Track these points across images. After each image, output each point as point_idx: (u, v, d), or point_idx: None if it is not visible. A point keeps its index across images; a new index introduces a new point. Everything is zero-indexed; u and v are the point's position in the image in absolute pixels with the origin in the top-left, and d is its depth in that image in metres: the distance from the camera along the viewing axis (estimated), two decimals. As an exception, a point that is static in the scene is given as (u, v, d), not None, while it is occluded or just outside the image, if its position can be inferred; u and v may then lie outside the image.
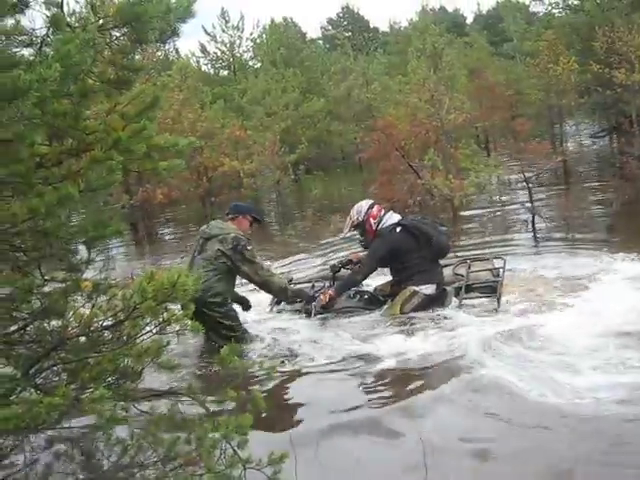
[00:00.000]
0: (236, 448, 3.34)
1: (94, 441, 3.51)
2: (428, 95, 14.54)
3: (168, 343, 2.98)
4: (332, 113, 24.44)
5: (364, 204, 7.50)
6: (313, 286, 7.81)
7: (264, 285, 6.87)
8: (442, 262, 7.83)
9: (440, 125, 13.74)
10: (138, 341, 2.92)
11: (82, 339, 2.80)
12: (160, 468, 3.13)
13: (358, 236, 7.71)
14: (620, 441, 4.23)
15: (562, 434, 4.37)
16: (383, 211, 7.49)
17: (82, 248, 3.56)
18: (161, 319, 2.91)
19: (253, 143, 17.68)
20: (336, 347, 6.38)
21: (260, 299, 7.68)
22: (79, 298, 3.16)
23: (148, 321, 2.88)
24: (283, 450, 3.60)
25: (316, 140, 23.94)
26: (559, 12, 23.45)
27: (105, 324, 2.74)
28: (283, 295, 7.17)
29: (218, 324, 6.30)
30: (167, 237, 17.08)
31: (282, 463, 3.51)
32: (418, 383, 5.53)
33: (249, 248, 6.57)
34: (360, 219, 7.36)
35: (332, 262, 8.16)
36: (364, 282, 7.69)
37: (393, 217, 7.43)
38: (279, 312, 7.59)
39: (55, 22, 3.32)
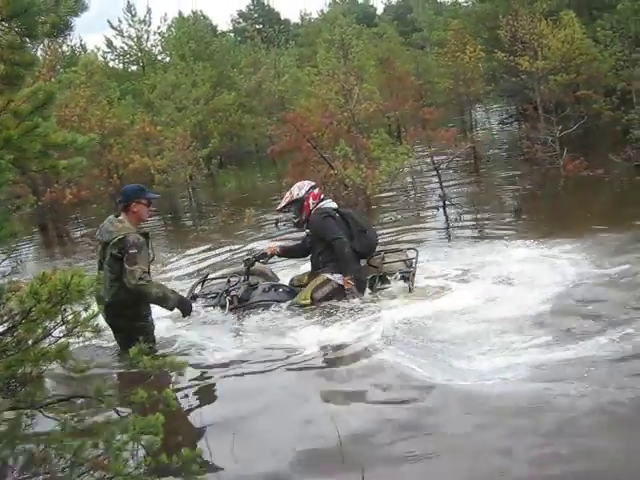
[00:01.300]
0: (146, 449, 3.29)
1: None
2: (338, 86, 14.60)
3: (68, 346, 2.88)
4: (244, 106, 24.31)
5: (306, 183, 7.59)
6: (229, 281, 7.72)
7: (140, 295, 6.28)
8: None
9: (351, 115, 13.79)
10: (38, 345, 2.82)
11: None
12: (67, 475, 3.04)
13: (291, 215, 7.71)
14: (539, 413, 4.34)
15: (479, 413, 4.45)
16: (323, 195, 7.57)
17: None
18: (59, 321, 2.82)
19: (164, 139, 17.39)
20: (251, 340, 6.35)
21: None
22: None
23: (47, 324, 2.79)
24: (198, 447, 3.56)
25: (228, 134, 23.78)
26: (465, 1, 23.96)
27: (0, 329, 2.64)
28: (163, 304, 6.52)
29: (128, 326, 6.09)
30: (78, 238, 16.66)
31: (196, 460, 3.46)
32: (331, 373, 5.58)
33: (130, 252, 6.15)
34: (300, 195, 7.37)
35: (247, 257, 8.07)
36: (278, 275, 7.75)
37: (332, 203, 7.52)
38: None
39: None
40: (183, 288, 8.51)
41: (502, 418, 4.34)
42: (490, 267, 7.55)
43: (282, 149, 14.55)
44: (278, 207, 7.77)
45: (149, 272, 6.38)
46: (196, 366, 5.78)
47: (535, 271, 7.14)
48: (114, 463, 2.83)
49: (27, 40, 3.60)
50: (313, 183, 7.62)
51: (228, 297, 7.27)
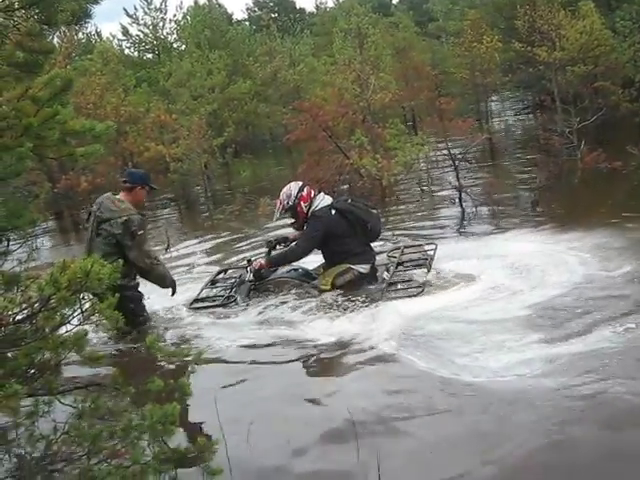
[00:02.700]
0: (164, 438, 3.29)
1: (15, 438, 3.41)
2: (354, 75, 14.54)
3: (86, 334, 2.88)
4: (259, 95, 24.26)
5: (293, 186, 7.37)
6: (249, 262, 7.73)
7: (146, 273, 6.55)
8: (376, 249, 7.95)
9: (367, 105, 13.74)
10: (56, 333, 2.82)
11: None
12: (85, 462, 3.05)
13: (290, 219, 7.62)
14: (561, 406, 4.34)
15: (496, 410, 4.43)
16: (313, 193, 7.41)
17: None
18: (78, 310, 2.83)
19: (179, 127, 17.40)
20: (262, 332, 6.36)
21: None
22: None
23: (65, 312, 2.79)
24: (214, 437, 3.56)
25: (244, 123, 23.74)
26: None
27: (19, 317, 2.63)
28: (162, 283, 6.80)
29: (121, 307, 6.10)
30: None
31: (213, 451, 3.46)
32: (341, 365, 5.55)
33: (139, 233, 6.29)
34: (290, 203, 7.24)
35: (269, 239, 8.10)
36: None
37: (325, 199, 7.37)
38: (198, 307, 7.37)
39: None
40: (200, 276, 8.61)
41: (523, 412, 4.33)
42: (503, 262, 7.48)
43: (297, 138, 14.50)
44: (274, 218, 7.71)
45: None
46: (209, 355, 5.78)
47: (545, 268, 7.08)
48: (132, 452, 2.84)
49: (46, 28, 3.60)
50: (300, 183, 7.45)
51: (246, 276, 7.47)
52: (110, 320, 2.99)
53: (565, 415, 4.23)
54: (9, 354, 2.80)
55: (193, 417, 4.75)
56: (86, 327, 3.09)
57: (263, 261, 7.36)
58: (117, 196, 6.51)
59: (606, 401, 4.31)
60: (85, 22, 3.89)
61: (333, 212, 7.23)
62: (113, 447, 3.10)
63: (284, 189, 7.37)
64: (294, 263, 7.61)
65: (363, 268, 7.27)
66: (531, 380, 4.73)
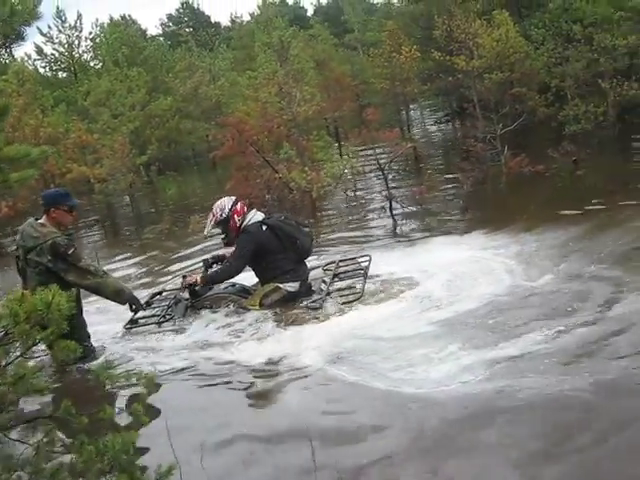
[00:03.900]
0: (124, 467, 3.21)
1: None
2: (276, 89, 14.56)
3: (43, 367, 2.79)
4: (180, 111, 24.05)
5: (226, 200, 7.39)
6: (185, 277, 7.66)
7: (97, 290, 6.35)
8: (310, 265, 7.99)
9: (292, 118, 13.76)
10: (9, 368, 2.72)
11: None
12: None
13: (220, 234, 7.56)
14: (508, 409, 4.45)
15: (444, 419, 4.48)
16: (246, 208, 7.43)
17: None
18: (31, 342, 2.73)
19: (101, 147, 17.09)
20: (195, 354, 6.33)
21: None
22: None
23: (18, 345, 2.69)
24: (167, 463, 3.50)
25: (166, 140, 23.49)
26: (398, 2, 24.15)
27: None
28: (119, 298, 6.64)
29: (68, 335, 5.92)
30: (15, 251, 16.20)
31: (170, 475, 3.40)
32: (277, 385, 5.56)
33: (70, 252, 6.05)
34: (224, 215, 7.24)
35: (205, 258, 8.02)
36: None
37: (257, 215, 7.39)
38: (135, 327, 7.27)
39: None
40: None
41: (474, 419, 4.40)
42: (434, 271, 7.55)
43: (225, 154, 14.43)
44: (205, 232, 7.64)
45: None
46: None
47: (474, 276, 7.22)
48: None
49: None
50: (233, 198, 7.47)
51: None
52: (64, 351, 2.89)
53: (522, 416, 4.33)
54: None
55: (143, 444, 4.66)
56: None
57: (198, 277, 7.30)
58: (40, 220, 6.25)
59: (555, 398, 4.43)
60: (18, 44, 3.80)
61: (264, 228, 7.26)
62: (74, 481, 3.00)
63: (217, 202, 7.38)
64: (231, 280, 7.60)
65: (292, 287, 7.27)
66: (477, 386, 4.81)
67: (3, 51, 27.94)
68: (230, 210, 7.27)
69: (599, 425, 4.13)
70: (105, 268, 10.72)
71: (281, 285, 7.23)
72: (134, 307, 6.90)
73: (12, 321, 2.29)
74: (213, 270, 7.54)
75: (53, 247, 6.02)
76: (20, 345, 2.56)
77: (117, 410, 3.63)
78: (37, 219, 6.31)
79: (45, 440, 3.21)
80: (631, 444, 3.92)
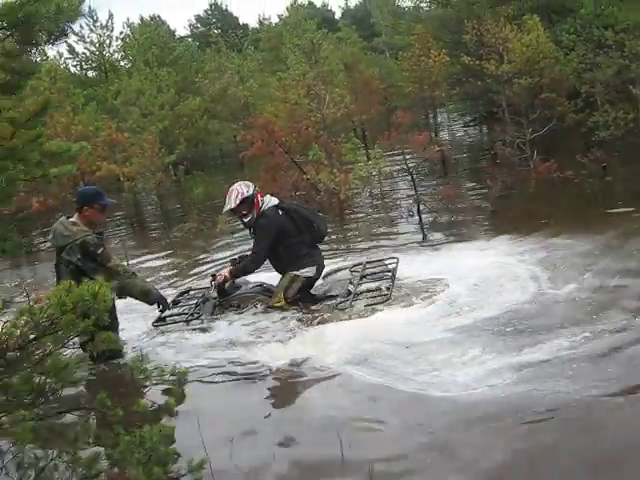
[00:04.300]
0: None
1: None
2: (306, 90, 14.61)
3: (86, 357, 2.85)
4: (209, 112, 24.17)
5: (248, 182, 7.52)
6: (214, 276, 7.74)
7: (125, 290, 6.42)
8: (338, 266, 8.07)
9: (321, 120, 13.81)
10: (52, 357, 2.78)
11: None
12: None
13: (237, 219, 7.67)
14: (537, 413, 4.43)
15: (472, 422, 4.49)
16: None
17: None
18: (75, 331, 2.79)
19: (130, 145, 17.24)
20: (222, 354, 6.39)
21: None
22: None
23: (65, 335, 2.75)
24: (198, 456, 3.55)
25: (194, 139, 23.62)
26: (427, 6, 24.13)
27: (20, 342, 2.58)
28: (146, 298, 6.80)
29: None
30: (44, 247, 16.37)
31: (202, 469, 3.45)
32: (301, 386, 5.63)
33: (99, 252, 6.12)
34: (250, 192, 7.31)
35: (233, 258, 8.08)
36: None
37: (272, 200, 7.48)
38: (162, 325, 7.34)
39: None
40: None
41: (504, 423, 4.41)
42: (461, 276, 7.51)
43: (253, 154, 14.50)
44: (228, 207, 7.43)
45: None
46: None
47: (499, 282, 7.19)
48: (138, 474, 2.81)
49: (27, 48, 3.57)
50: (251, 183, 7.58)
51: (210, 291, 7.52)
52: (104, 343, 2.95)
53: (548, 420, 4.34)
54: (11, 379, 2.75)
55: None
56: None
57: (226, 272, 7.38)
58: (71, 219, 6.34)
59: (582, 404, 4.43)
60: (62, 41, 3.87)
61: (280, 212, 7.34)
62: (110, 471, 3.07)
63: (238, 183, 7.48)
64: (259, 279, 7.67)
65: (309, 272, 7.36)
66: (505, 389, 4.81)
67: (36, 49, 28.21)
68: (254, 189, 7.38)
69: (629, 430, 4.13)
70: (133, 262, 10.97)
71: (298, 273, 7.29)
72: (161, 307, 6.97)
73: (59, 310, 2.35)
74: (241, 265, 7.60)
75: (83, 246, 6.09)
76: (63, 335, 2.61)
77: (150, 404, 3.66)
78: (69, 217, 6.39)
79: (81, 430, 3.28)
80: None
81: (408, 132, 13.80)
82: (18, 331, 2.47)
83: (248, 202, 7.32)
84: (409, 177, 12.71)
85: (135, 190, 16.40)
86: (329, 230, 8.41)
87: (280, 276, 7.52)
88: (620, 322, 5.71)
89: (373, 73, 25.91)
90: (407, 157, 14.02)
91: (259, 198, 7.35)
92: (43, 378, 2.68)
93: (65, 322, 2.39)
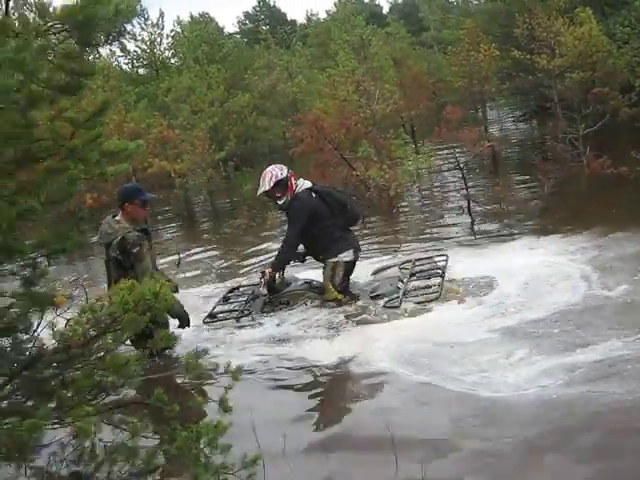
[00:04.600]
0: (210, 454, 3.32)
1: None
2: (355, 86, 14.61)
3: (145, 354, 2.91)
4: (258, 108, 24.28)
5: (282, 165, 7.61)
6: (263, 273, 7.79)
7: None
8: (388, 263, 8.13)
9: (370, 116, 13.79)
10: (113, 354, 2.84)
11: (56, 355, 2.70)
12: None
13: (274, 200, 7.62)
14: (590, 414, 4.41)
15: (525, 423, 4.46)
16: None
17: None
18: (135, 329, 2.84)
19: (181, 142, 17.42)
20: (271, 350, 6.48)
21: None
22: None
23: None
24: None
25: (243, 136, 23.76)
26: (476, 0, 23.90)
27: (82, 340, 2.64)
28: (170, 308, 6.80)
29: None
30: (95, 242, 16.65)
31: (256, 465, 3.49)
32: (352, 384, 5.71)
33: (134, 251, 6.20)
34: (284, 174, 7.38)
35: None
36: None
37: (306, 183, 7.54)
38: (213, 322, 7.48)
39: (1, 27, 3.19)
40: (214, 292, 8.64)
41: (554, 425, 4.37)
42: (510, 274, 7.47)
43: (303, 151, 14.55)
44: (262, 189, 7.47)
45: (156, 268, 6.52)
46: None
47: (550, 281, 7.14)
48: (195, 468, 2.85)
49: (86, 49, 3.63)
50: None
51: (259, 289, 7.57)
52: (163, 340, 3.01)
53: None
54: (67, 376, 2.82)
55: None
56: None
57: (268, 269, 7.46)
58: (116, 217, 6.51)
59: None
60: (119, 41, 3.92)
61: (314, 195, 7.38)
62: (167, 466, 3.12)
63: (272, 166, 7.55)
64: (308, 277, 7.71)
65: (347, 256, 7.39)
66: (556, 390, 4.78)
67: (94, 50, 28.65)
68: (288, 172, 7.44)
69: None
70: (183, 256, 11.06)
71: (336, 259, 7.35)
72: (180, 323, 6.70)
73: (121, 309, 2.40)
74: (275, 257, 7.67)
75: (121, 243, 6.23)
76: (124, 332, 2.66)
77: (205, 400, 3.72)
78: (114, 216, 6.54)
79: (139, 425, 3.33)
80: None
81: (458, 128, 13.70)
82: (81, 328, 2.54)
83: (282, 185, 7.37)
84: (459, 173, 12.63)
85: (186, 186, 16.58)
86: (382, 225, 8.38)
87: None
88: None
89: (422, 68, 25.76)
90: (457, 153, 13.95)
91: (293, 181, 7.41)
92: (104, 374, 2.74)
93: (127, 320, 2.44)
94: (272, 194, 7.45)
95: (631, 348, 5.22)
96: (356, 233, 8.22)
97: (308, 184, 7.52)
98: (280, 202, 7.47)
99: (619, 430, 4.21)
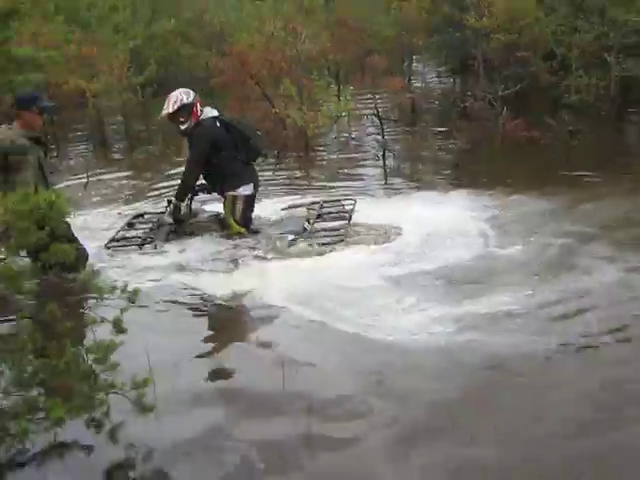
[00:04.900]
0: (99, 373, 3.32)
1: None
2: (283, 23, 14.36)
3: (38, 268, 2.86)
4: (183, 35, 23.60)
5: (189, 90, 7.48)
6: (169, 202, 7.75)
7: None
8: (296, 202, 8.36)
9: (296, 55, 13.62)
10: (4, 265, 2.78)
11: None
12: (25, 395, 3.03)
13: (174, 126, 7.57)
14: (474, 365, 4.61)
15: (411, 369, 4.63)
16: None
17: None
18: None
19: (100, 61, 16.78)
20: (170, 279, 6.53)
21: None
22: None
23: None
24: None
25: (165, 62, 23.08)
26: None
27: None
28: None
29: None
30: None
31: (145, 387, 3.51)
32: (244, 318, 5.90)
33: (15, 159, 6.04)
34: (190, 100, 7.33)
35: None
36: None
37: (213, 111, 7.51)
38: (115, 247, 7.42)
39: None
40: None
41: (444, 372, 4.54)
42: (414, 224, 7.69)
43: (224, 83, 14.30)
44: (165, 112, 7.42)
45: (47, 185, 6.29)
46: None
47: (449, 236, 7.37)
48: (78, 385, 2.85)
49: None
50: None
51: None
52: (58, 254, 2.96)
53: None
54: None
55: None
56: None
57: (173, 199, 7.49)
58: (10, 125, 6.29)
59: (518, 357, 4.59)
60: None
61: (218, 124, 7.36)
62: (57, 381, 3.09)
63: (179, 90, 7.45)
64: (216, 209, 7.70)
65: (246, 189, 7.47)
66: (444, 338, 4.98)
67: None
68: (195, 98, 7.37)
69: (567, 385, 4.35)
70: (93, 179, 10.84)
71: (235, 193, 7.41)
72: None
73: (14, 217, 2.35)
74: (178, 186, 7.65)
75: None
76: (17, 242, 2.61)
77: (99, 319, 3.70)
78: (9, 124, 6.32)
79: (28, 339, 3.30)
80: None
81: (382, 76, 13.71)
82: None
83: (186, 109, 7.31)
84: (378, 122, 12.70)
85: (99, 108, 16.08)
86: (295, 166, 8.36)
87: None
88: (563, 283, 5.93)
89: (352, 12, 25.44)
90: (378, 101, 13.99)
91: (198, 107, 7.34)
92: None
93: (19, 229, 2.39)
94: (175, 118, 7.37)
95: (517, 304, 5.48)
96: (268, 170, 8.23)
97: (215, 113, 7.47)
98: (182, 127, 7.41)
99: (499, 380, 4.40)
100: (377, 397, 4.30)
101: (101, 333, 3.62)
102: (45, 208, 2.35)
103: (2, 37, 3.28)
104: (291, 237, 7.26)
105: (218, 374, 4.76)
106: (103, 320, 3.63)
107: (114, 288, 3.95)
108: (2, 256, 2.86)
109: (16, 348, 3.19)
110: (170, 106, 7.31)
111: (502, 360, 4.61)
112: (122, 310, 3.66)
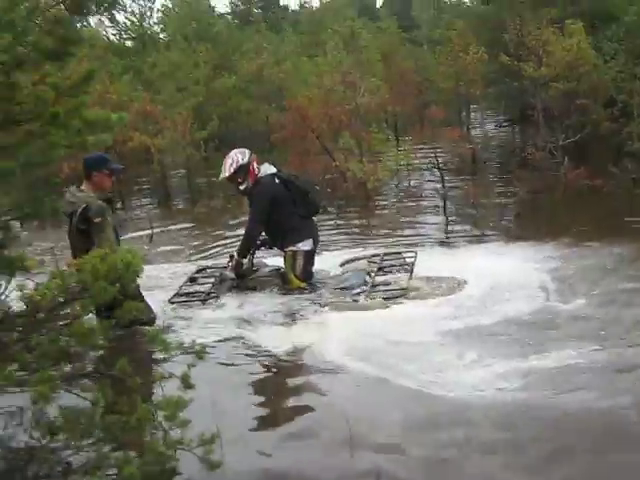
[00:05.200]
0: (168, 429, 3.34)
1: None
2: (342, 77, 14.59)
3: (112, 324, 2.92)
4: (243, 91, 24.12)
5: (244, 149, 7.55)
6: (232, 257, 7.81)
7: None
8: (357, 255, 8.33)
9: (354, 108, 13.80)
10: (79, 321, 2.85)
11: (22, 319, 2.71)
12: (97, 450, 3.07)
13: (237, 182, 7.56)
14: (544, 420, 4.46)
15: (482, 426, 4.52)
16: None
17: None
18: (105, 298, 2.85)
19: (164, 118, 17.28)
20: (237, 335, 6.46)
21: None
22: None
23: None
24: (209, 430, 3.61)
25: (226, 118, 23.58)
26: (469, 2, 23.90)
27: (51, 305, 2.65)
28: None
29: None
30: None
31: (212, 443, 3.51)
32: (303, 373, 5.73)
33: (97, 221, 6.10)
34: (245, 160, 7.38)
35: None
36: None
37: (271, 168, 7.57)
38: (178, 302, 7.47)
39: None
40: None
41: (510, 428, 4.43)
42: (477, 277, 7.58)
43: (284, 137, 14.55)
44: (223, 175, 7.53)
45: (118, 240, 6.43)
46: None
47: (510, 289, 7.22)
48: (151, 441, 2.88)
49: (76, 17, 3.62)
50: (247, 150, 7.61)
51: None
52: (131, 312, 3.02)
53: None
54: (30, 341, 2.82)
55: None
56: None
57: (235, 254, 7.52)
58: (80, 187, 6.37)
59: (592, 414, 4.46)
60: (109, 11, 3.92)
61: (277, 180, 7.43)
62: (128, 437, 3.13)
63: (234, 150, 7.54)
64: (277, 264, 7.74)
65: (306, 245, 7.48)
66: (511, 394, 4.86)
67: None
68: (250, 157, 7.42)
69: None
70: (157, 230, 11.04)
71: (294, 248, 7.43)
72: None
73: (91, 277, 2.41)
74: (240, 242, 7.71)
75: (83, 212, 6.11)
76: (92, 300, 2.67)
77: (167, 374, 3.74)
78: (78, 186, 6.40)
79: (99, 395, 3.35)
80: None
81: (440, 127, 13.77)
82: (49, 294, 2.55)
83: (243, 170, 7.39)
84: (437, 172, 12.73)
85: (164, 163, 16.48)
86: (356, 217, 8.39)
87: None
88: (629, 337, 5.75)
89: (410, 65, 25.70)
90: (437, 152, 14.04)
91: (255, 166, 7.42)
92: (69, 341, 2.76)
93: (96, 288, 2.46)
94: (233, 179, 7.48)
95: (584, 358, 5.33)
96: (329, 223, 8.27)
97: (272, 170, 7.54)
98: (241, 187, 7.51)
99: (571, 436, 4.29)
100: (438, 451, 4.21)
101: (169, 388, 3.66)
102: (122, 269, 2.42)
103: (79, 102, 3.38)
104: (354, 291, 7.26)
105: (283, 431, 4.73)
106: (171, 375, 3.66)
107: (181, 344, 4.01)
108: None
109: (90, 403, 3.24)
110: (227, 169, 7.44)
111: (574, 417, 4.48)
112: (189, 366, 3.68)
